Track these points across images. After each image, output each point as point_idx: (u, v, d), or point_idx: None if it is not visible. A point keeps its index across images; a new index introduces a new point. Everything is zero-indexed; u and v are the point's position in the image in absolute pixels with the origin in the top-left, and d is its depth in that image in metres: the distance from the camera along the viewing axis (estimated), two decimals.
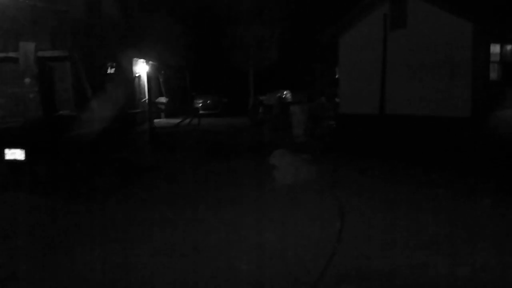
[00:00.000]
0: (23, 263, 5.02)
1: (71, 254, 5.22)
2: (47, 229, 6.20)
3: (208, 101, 27.57)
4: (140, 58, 21.72)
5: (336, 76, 21.22)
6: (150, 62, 22.75)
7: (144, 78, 22.30)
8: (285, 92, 27.50)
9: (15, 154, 8.29)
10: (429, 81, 13.66)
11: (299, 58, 29.58)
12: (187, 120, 20.73)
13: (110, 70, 18.86)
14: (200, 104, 26.84)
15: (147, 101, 21.61)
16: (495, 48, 13.84)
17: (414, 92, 14.00)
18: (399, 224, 6.01)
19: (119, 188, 8.37)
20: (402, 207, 6.78)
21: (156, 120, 21.61)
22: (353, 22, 15.68)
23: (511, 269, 4.60)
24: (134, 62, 21.37)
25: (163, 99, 25.15)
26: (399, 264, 4.72)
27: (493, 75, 13.84)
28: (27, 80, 13.69)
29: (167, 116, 24.60)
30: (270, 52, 25.23)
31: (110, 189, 8.23)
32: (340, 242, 5.39)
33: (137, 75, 21.88)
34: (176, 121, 21.19)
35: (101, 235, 5.83)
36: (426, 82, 13.74)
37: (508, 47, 14.25)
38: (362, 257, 4.95)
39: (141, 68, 22.10)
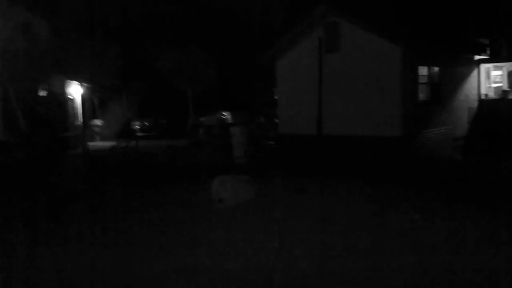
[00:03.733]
0: None
1: None
2: None
3: (146, 123, 27.07)
4: (74, 80, 21.04)
5: (275, 97, 21.56)
6: (84, 84, 22.08)
7: (78, 101, 21.60)
8: (225, 113, 27.53)
9: None
10: (363, 103, 14.17)
11: (238, 79, 29.81)
12: (124, 143, 20.17)
13: (42, 93, 18.12)
14: (138, 126, 26.28)
15: (81, 124, 20.93)
16: (423, 70, 14.64)
17: (349, 113, 14.46)
18: (332, 241, 6.15)
19: (42, 215, 7.91)
20: (335, 223, 6.97)
21: (91, 143, 20.87)
22: (289, 45, 16.03)
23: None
24: (67, 84, 20.66)
25: (98, 122, 24.42)
26: (334, 280, 4.79)
27: (422, 96, 14.61)
28: None
29: (102, 139, 23.84)
30: (208, 74, 25.27)
31: (32, 217, 7.77)
32: (278, 260, 5.40)
33: (70, 97, 21.15)
34: (112, 144, 20.57)
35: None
36: (359, 104, 14.24)
37: (435, 69, 15.13)
38: (299, 274, 4.99)
39: (75, 90, 21.40)
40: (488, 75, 17.28)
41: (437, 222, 6.94)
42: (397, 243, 6.03)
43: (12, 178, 9.07)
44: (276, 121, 18.64)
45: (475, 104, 16.76)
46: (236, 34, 27.18)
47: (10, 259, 5.88)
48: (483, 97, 16.92)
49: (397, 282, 4.83)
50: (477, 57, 17.03)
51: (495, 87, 17.29)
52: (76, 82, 21.19)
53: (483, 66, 17.14)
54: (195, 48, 24.12)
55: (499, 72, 17.36)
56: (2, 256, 5.97)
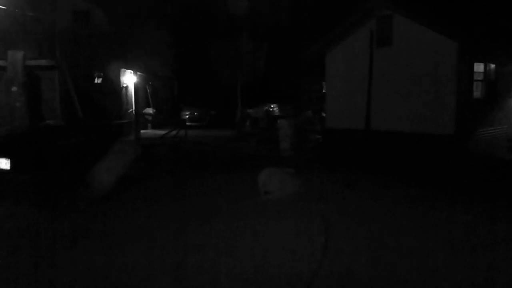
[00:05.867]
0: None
1: (53, 265, 5.21)
2: (28, 241, 6.15)
3: (196, 113, 27.56)
4: (128, 68, 21.72)
5: (323, 91, 21.44)
6: (138, 72, 22.76)
7: (131, 89, 22.28)
8: (272, 106, 27.64)
9: (0, 163, 8.22)
10: (414, 99, 13.88)
11: (287, 72, 29.79)
12: (174, 132, 20.69)
13: (97, 80, 18.82)
14: (187, 116, 26.81)
15: (134, 111, 21.58)
16: (478, 67, 14.14)
17: (399, 108, 14.21)
18: (380, 238, 6.12)
19: (103, 200, 8.31)
20: (384, 221, 6.88)
21: (142, 131, 21.51)
22: (340, 38, 15.89)
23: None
24: (121, 73, 21.36)
25: (150, 110, 25.10)
26: (381, 277, 4.80)
27: (477, 93, 14.13)
28: (14, 88, 13.58)
29: (154, 127, 24.54)
30: (258, 66, 25.40)
31: (94, 201, 8.17)
32: (325, 255, 5.44)
33: (124, 85, 21.84)
34: (162, 132, 21.15)
35: (81, 246, 5.83)
36: (411, 100, 13.96)
37: (491, 66, 14.58)
38: (346, 270, 5.02)
39: (129, 79, 22.07)
40: None
41: (488, 224, 6.77)
42: (448, 243, 5.91)
43: (70, 161, 9.49)
44: (324, 115, 18.57)
45: None
46: (286, 27, 27.11)
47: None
48: None
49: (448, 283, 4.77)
50: None
51: None
52: (130, 71, 21.85)
53: None
54: (245, 40, 24.29)
55: None
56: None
